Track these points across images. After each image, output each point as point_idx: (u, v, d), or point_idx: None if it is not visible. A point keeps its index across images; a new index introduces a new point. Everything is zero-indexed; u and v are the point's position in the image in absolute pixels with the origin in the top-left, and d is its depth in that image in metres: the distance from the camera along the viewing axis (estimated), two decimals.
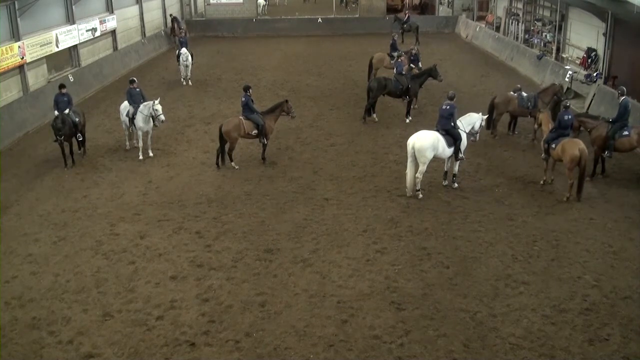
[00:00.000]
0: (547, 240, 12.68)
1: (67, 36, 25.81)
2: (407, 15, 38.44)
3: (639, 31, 20.87)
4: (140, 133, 17.66)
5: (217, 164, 17.03)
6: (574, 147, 14.25)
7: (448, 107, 14.84)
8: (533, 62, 28.20)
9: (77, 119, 17.24)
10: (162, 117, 17.36)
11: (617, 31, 22.86)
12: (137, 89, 17.94)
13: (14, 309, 10.49)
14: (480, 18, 40.17)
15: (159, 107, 17.25)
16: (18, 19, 22.02)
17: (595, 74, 23.23)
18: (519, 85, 19.87)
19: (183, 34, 30.34)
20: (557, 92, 19.01)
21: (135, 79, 18.43)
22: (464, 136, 15.12)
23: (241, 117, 16.96)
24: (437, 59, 27.59)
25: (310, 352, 9.35)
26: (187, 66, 26.88)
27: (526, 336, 9.64)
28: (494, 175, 16.27)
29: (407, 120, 20.94)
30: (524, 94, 19.01)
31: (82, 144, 17.92)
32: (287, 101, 17.68)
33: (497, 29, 36.27)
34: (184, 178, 16.37)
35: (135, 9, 34.89)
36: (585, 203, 14.42)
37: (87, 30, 27.63)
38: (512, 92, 19.26)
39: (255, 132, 16.88)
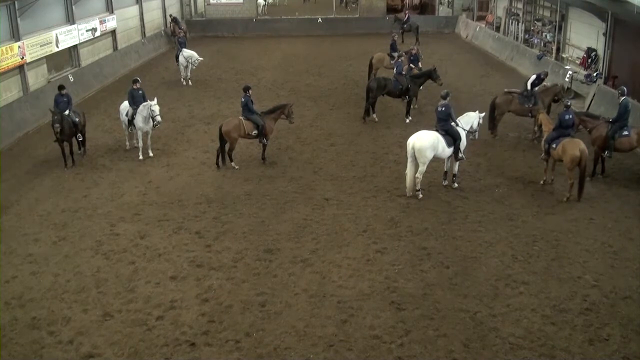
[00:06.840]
0: (547, 240, 12.68)
1: (67, 36, 25.81)
2: (407, 15, 38.44)
3: (639, 31, 20.87)
4: (140, 133, 17.65)
5: (217, 164, 17.03)
6: (575, 147, 14.25)
7: (444, 108, 14.84)
8: (533, 62, 28.19)
9: (77, 119, 17.24)
10: (159, 119, 17.31)
11: (617, 31, 22.86)
12: (140, 91, 17.85)
13: (14, 309, 10.48)
14: (480, 18, 40.15)
15: (156, 108, 17.22)
16: (18, 19, 22.02)
17: (595, 74, 23.23)
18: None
19: (182, 35, 30.25)
20: (558, 93, 18.99)
21: (138, 79, 18.34)
22: (463, 135, 15.12)
23: (241, 118, 16.96)
24: (437, 59, 27.60)
25: (310, 352, 9.35)
26: (186, 66, 26.87)
27: (526, 336, 9.64)
28: (494, 175, 16.27)
29: (407, 121, 20.94)
30: (527, 90, 18.98)
31: (82, 144, 17.92)
32: (290, 105, 17.65)
33: (497, 29, 36.28)
34: (184, 178, 16.37)
35: (135, 9, 34.89)
36: (585, 203, 14.42)
37: (87, 30, 27.62)
38: (515, 91, 19.24)
39: (255, 132, 16.87)
